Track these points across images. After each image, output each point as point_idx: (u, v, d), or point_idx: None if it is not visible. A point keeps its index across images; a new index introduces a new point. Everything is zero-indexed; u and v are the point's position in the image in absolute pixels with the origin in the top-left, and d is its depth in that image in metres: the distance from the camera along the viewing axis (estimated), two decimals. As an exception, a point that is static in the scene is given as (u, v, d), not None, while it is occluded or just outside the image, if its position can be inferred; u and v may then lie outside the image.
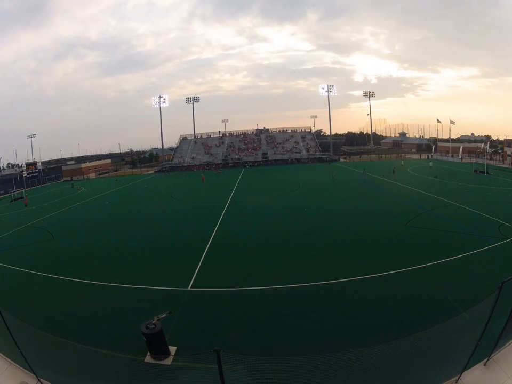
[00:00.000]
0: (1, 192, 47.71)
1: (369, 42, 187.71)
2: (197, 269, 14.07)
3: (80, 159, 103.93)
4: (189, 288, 12.41)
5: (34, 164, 61.04)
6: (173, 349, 8.43)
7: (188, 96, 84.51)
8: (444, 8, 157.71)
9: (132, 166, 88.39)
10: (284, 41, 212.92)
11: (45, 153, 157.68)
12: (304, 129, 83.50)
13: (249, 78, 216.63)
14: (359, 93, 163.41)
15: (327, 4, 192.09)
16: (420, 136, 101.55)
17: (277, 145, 76.40)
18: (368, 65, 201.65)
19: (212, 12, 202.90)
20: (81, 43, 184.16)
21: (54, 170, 72.51)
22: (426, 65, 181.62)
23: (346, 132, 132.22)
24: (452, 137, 76.54)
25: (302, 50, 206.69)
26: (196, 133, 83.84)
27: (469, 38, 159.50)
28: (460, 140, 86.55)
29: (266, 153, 73.21)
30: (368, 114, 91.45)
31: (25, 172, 55.81)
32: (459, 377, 6.26)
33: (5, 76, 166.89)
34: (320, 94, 76.97)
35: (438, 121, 74.02)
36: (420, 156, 71.55)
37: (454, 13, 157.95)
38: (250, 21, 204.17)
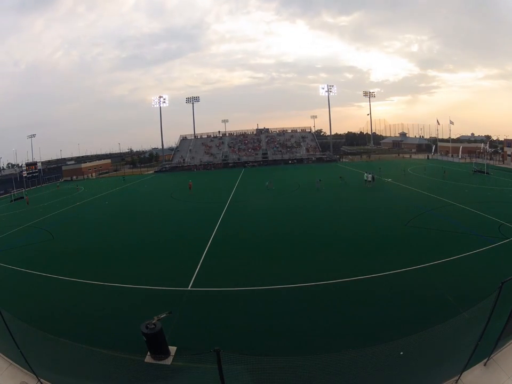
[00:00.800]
0: (1, 192, 47.72)
1: (385, 42, 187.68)
2: (197, 269, 14.07)
3: (80, 159, 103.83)
4: (189, 288, 12.41)
5: (34, 163, 61.05)
6: (173, 349, 8.43)
7: (188, 96, 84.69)
8: (460, 10, 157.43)
9: (132, 166, 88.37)
10: (295, 39, 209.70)
11: (45, 153, 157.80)
12: (304, 129, 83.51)
13: (255, 76, 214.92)
14: (372, 91, 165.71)
15: (341, 2, 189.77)
16: (420, 136, 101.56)
17: (277, 145, 76.42)
18: (383, 65, 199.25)
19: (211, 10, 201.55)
20: (83, 40, 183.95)
21: (54, 170, 72.49)
22: (441, 65, 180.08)
23: (346, 132, 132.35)
24: (452, 137, 76.63)
25: (314, 48, 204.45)
26: (196, 133, 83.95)
27: (486, 40, 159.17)
28: (459, 140, 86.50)
29: (266, 153, 73.21)
30: (368, 114, 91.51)
31: (25, 172, 55.85)
32: (459, 377, 6.26)
33: (5, 74, 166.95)
34: (320, 94, 76.94)
35: (438, 122, 74.16)
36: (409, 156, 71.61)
37: (471, 16, 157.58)
38: (259, 17, 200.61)
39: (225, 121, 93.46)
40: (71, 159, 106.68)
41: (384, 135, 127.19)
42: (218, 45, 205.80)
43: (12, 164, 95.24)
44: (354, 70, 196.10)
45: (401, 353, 6.36)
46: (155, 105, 76.93)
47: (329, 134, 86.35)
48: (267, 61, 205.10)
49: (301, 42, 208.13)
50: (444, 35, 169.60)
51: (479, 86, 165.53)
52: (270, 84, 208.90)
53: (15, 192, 43.10)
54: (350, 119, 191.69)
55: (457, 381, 6.27)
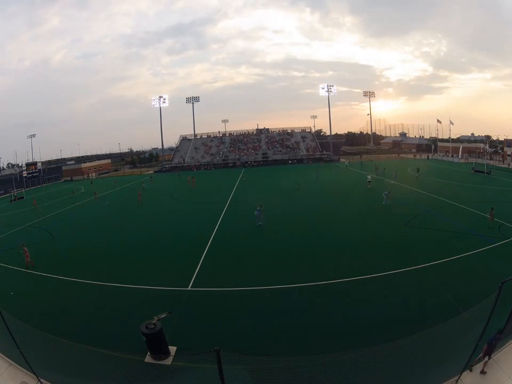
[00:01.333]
0: (1, 192, 47.72)
1: (394, 43, 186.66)
2: (197, 269, 14.07)
3: (80, 159, 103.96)
4: (189, 288, 12.42)
5: (34, 163, 61.08)
6: (173, 349, 8.44)
7: (188, 96, 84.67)
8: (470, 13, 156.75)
9: (132, 166, 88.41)
10: (301, 37, 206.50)
11: (45, 153, 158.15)
12: (304, 129, 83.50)
13: (259, 74, 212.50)
14: (385, 91, 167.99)
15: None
16: (420, 136, 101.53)
17: (277, 145, 76.42)
18: (389, 65, 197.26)
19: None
20: (83, 39, 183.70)
21: (54, 170, 72.56)
22: (449, 66, 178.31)
23: (346, 132, 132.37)
24: (451, 137, 76.62)
25: (321, 46, 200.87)
26: (195, 133, 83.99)
27: (496, 42, 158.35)
28: (459, 140, 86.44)
29: (266, 153, 73.21)
30: (368, 114, 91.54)
31: (25, 172, 55.87)
32: (459, 377, 6.26)
33: (5, 73, 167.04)
34: (320, 94, 76.86)
35: (438, 121, 74.14)
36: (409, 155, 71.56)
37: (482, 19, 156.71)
38: (266, 14, 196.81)
39: (225, 121, 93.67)
40: (71, 159, 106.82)
41: (384, 135, 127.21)
42: (221, 44, 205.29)
43: (12, 163, 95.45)
44: (362, 69, 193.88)
45: None
46: (155, 105, 77.04)
47: (329, 134, 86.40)
48: (270, 59, 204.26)
49: (308, 40, 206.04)
50: (454, 36, 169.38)
51: (486, 87, 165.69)
52: (273, 83, 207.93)
53: (15, 192, 43.10)
54: (355, 118, 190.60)
55: (457, 381, 6.27)
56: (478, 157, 54.12)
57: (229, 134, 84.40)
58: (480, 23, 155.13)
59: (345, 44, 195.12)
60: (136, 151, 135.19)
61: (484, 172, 38.48)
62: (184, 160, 72.87)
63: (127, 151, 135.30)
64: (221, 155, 73.78)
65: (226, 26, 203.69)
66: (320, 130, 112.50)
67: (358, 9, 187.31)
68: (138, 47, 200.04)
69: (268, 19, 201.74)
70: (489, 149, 59.72)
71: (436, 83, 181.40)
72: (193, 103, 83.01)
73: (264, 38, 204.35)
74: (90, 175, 69.16)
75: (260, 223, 20.61)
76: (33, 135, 74.19)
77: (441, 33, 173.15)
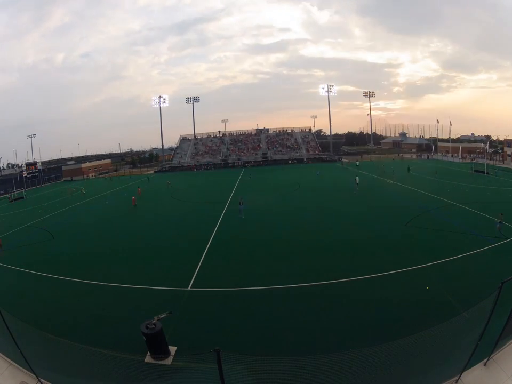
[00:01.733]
0: (1, 192, 47.72)
1: (398, 44, 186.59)
2: (197, 269, 14.07)
3: (80, 159, 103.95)
4: (189, 288, 12.42)
5: (34, 163, 61.08)
6: (173, 349, 8.44)
7: (188, 96, 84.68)
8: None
9: (132, 166, 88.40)
10: (304, 35, 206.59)
11: (45, 153, 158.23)
12: (304, 129, 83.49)
13: (261, 72, 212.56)
14: (392, 91, 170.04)
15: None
16: (420, 136, 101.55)
17: (277, 145, 76.41)
18: (393, 65, 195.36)
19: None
20: (83, 39, 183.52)
21: (54, 170, 72.54)
22: (459, 67, 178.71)
23: (346, 132, 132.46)
24: (452, 137, 76.64)
25: (325, 45, 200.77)
26: (196, 133, 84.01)
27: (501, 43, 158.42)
28: (459, 140, 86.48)
29: (266, 153, 73.20)
30: (368, 114, 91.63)
31: (25, 172, 55.88)
32: (459, 377, 6.25)
33: (6, 74, 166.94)
34: (320, 94, 76.85)
35: (437, 121, 74.22)
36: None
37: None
38: (270, 12, 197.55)
39: (225, 121, 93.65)
40: (71, 159, 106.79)
41: (384, 135, 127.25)
42: (225, 41, 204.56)
43: (12, 163, 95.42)
44: (369, 68, 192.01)
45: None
46: (155, 105, 77.07)
47: (329, 134, 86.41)
48: (272, 59, 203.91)
49: (314, 38, 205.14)
50: (462, 37, 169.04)
51: (490, 87, 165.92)
52: (277, 82, 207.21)
53: (15, 192, 43.12)
54: (361, 117, 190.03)
55: (457, 381, 6.26)
56: (478, 157, 54.11)
57: (229, 134, 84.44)
58: (489, 23, 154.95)
59: (352, 43, 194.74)
60: (136, 151, 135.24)
61: (484, 172, 38.52)
62: (184, 160, 72.78)
63: (127, 151, 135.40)
64: (221, 155, 73.79)
65: (230, 24, 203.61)
66: (320, 130, 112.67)
67: (367, 9, 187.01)
68: (139, 46, 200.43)
69: (274, 17, 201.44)
70: (489, 149, 59.74)
71: (443, 83, 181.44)
72: (193, 103, 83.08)
73: (269, 36, 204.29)
74: (90, 175, 69.19)
75: (242, 216, 22.87)
76: (33, 135, 74.34)
77: (451, 34, 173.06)
